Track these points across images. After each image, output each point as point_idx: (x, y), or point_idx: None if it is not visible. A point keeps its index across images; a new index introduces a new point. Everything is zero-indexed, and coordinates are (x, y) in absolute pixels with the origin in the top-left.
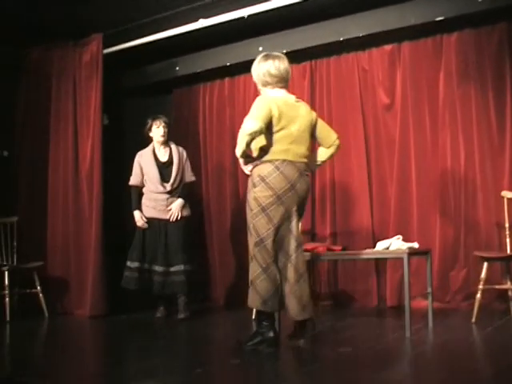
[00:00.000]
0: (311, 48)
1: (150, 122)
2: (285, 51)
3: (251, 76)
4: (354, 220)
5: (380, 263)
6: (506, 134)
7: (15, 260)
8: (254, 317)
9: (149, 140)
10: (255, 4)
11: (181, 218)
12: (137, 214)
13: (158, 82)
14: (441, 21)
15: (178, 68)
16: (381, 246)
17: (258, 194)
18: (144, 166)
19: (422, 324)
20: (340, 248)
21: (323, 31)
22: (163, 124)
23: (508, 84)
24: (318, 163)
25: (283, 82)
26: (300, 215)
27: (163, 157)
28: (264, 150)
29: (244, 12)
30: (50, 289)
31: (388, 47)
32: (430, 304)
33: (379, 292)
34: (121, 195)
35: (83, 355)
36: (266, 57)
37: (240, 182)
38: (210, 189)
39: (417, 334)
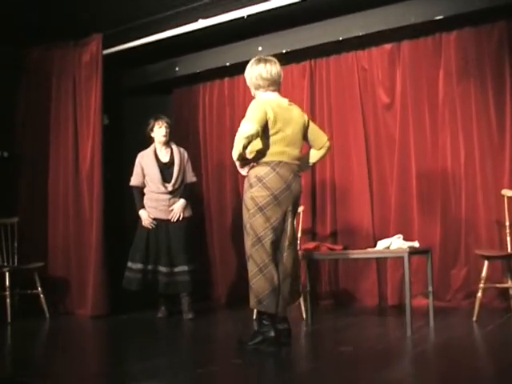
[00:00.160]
0: (311, 47)
1: (152, 122)
2: (284, 51)
3: None
4: (354, 219)
5: (381, 262)
6: (506, 133)
7: (16, 261)
8: (254, 317)
9: (150, 140)
10: (254, 4)
11: (183, 218)
12: (143, 213)
13: (157, 82)
14: (440, 19)
15: (177, 68)
16: (381, 245)
17: (255, 194)
18: (145, 167)
19: (423, 323)
20: (341, 247)
21: (322, 31)
22: (165, 124)
23: (508, 82)
24: (310, 165)
25: (275, 85)
26: (294, 215)
27: (164, 157)
28: (260, 152)
29: (243, 12)
30: (51, 289)
31: (388, 46)
32: (431, 303)
33: (380, 291)
34: (121, 195)
35: (84, 355)
36: (258, 61)
37: (240, 182)
38: (211, 188)
39: (418, 333)
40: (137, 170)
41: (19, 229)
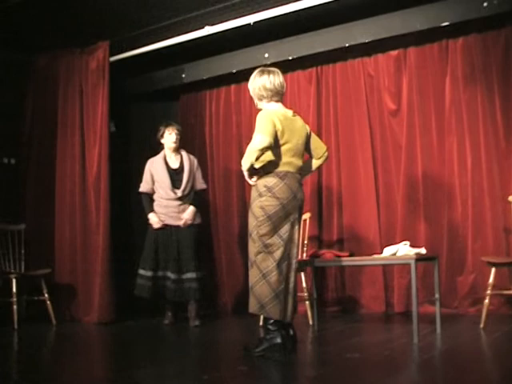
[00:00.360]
0: (317, 54)
1: (162, 128)
2: (291, 57)
3: None
4: (360, 225)
5: (387, 269)
6: None
7: (23, 267)
8: (261, 323)
9: (160, 147)
10: (261, 11)
11: (192, 225)
12: (152, 216)
13: (164, 89)
14: (446, 26)
15: (184, 75)
16: (388, 251)
17: (264, 203)
18: (155, 173)
19: (430, 330)
20: (347, 254)
21: (329, 37)
22: (176, 131)
23: None
24: (308, 173)
25: (278, 95)
26: (299, 222)
27: (174, 163)
28: (269, 163)
29: (250, 19)
30: (58, 296)
31: (394, 53)
32: (438, 309)
33: (387, 298)
34: (127, 201)
35: (91, 361)
36: (262, 72)
37: (247, 189)
38: (217, 195)
39: (424, 340)
40: (146, 176)
41: (26, 236)
